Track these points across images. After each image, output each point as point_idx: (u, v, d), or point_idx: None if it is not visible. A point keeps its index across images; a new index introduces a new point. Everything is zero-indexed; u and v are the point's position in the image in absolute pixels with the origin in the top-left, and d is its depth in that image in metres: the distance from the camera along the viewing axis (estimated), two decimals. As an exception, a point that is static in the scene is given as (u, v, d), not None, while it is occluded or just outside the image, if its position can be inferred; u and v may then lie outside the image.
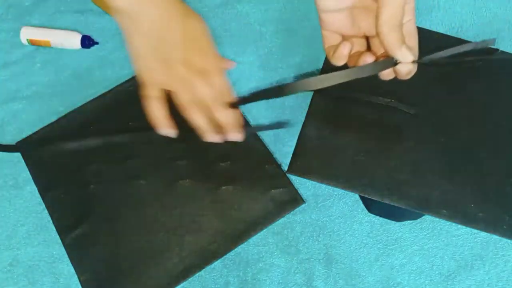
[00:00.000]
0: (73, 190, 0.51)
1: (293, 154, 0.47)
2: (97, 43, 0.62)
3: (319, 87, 0.34)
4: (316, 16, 0.64)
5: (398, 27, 0.32)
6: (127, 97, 0.56)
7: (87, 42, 0.61)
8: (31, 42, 0.61)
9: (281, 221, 0.52)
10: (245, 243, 0.49)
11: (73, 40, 0.61)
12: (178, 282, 0.47)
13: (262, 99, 0.38)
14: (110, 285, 0.47)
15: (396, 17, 0.31)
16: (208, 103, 0.38)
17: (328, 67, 0.52)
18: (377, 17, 0.32)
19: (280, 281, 0.51)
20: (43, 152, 0.53)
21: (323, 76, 0.33)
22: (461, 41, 0.53)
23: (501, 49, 0.53)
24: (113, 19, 0.64)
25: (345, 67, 0.36)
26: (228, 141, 0.42)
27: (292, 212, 0.51)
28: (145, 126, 0.54)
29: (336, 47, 0.36)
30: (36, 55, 0.62)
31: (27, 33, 0.61)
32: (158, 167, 0.51)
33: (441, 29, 0.61)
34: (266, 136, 0.56)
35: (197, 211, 0.49)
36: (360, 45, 0.37)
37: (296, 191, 0.51)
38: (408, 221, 0.53)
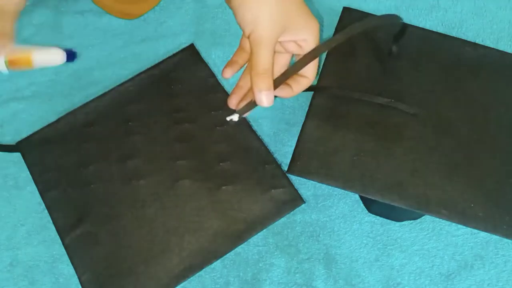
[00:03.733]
0: (73, 190, 0.51)
1: (293, 154, 0.47)
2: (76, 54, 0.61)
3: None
4: (316, 16, 0.65)
5: (261, 73, 0.36)
6: (127, 97, 0.56)
7: (71, 56, 0.60)
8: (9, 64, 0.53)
9: (281, 221, 0.52)
10: (245, 243, 0.49)
11: (55, 57, 0.59)
12: (178, 282, 0.47)
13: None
14: (110, 285, 0.47)
15: (262, 64, 0.35)
16: None
17: (328, 66, 0.52)
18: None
19: (280, 281, 0.51)
20: (43, 152, 0.53)
21: None
22: (461, 41, 0.53)
23: (501, 49, 0.53)
24: (113, 19, 0.64)
25: None
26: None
27: (292, 212, 0.51)
28: (145, 126, 0.54)
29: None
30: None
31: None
32: (158, 167, 0.51)
33: (441, 29, 0.61)
34: (266, 136, 0.56)
35: (197, 211, 0.49)
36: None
37: (296, 191, 0.51)
38: (408, 221, 0.53)
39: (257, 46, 0.35)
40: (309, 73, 0.40)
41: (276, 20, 0.35)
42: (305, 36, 0.37)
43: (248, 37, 0.36)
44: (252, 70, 0.36)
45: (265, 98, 0.36)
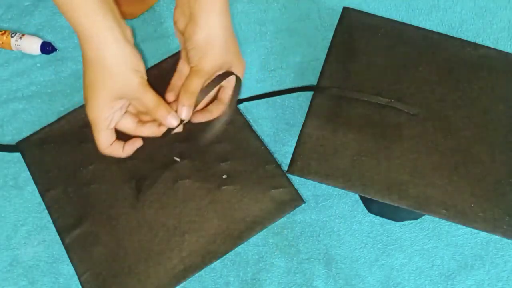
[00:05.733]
0: (73, 190, 0.51)
1: (293, 154, 0.47)
2: (56, 49, 0.62)
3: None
4: (316, 16, 0.65)
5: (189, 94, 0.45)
6: (127, 97, 0.56)
7: (46, 48, 0.61)
8: None
9: (281, 221, 0.52)
10: (245, 243, 0.49)
11: (33, 46, 0.61)
12: (178, 282, 0.47)
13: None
14: (110, 285, 0.47)
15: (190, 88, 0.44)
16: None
17: (328, 66, 0.52)
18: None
19: (280, 281, 0.51)
20: (43, 152, 0.53)
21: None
22: (461, 41, 0.53)
23: (501, 49, 0.53)
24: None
25: None
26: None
27: (292, 212, 0.51)
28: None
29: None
30: (36, 55, 0.62)
31: None
32: (158, 167, 0.51)
33: (441, 29, 0.61)
34: (266, 136, 0.56)
35: (197, 211, 0.49)
36: None
37: (296, 191, 0.51)
38: (408, 221, 0.53)
39: (195, 75, 0.44)
40: (227, 100, 0.48)
41: (217, 62, 0.44)
42: (235, 72, 0.46)
43: (191, 67, 0.45)
44: (183, 88, 0.44)
45: (185, 112, 0.45)
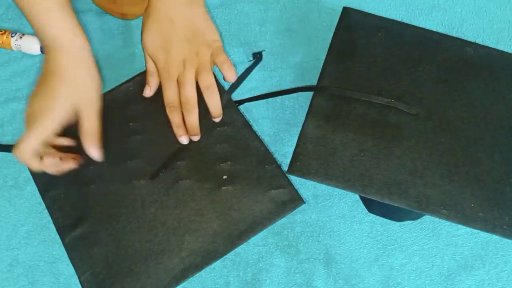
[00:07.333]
0: (73, 190, 0.51)
1: (293, 154, 0.47)
2: None
3: None
4: (316, 16, 0.64)
5: None
6: (127, 97, 0.56)
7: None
8: None
9: (281, 221, 0.52)
10: (245, 243, 0.49)
11: (33, 46, 0.61)
12: (178, 282, 0.47)
13: None
14: (110, 285, 0.47)
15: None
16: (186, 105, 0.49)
17: (328, 66, 0.52)
18: None
19: (280, 281, 0.51)
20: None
21: None
22: (461, 41, 0.53)
23: (501, 49, 0.53)
24: (113, 19, 0.64)
25: None
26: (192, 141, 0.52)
27: (292, 212, 0.51)
28: (145, 126, 0.54)
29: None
30: (36, 55, 0.62)
31: None
32: (158, 167, 0.51)
33: (441, 29, 0.61)
34: (266, 136, 0.56)
35: (197, 211, 0.49)
36: None
37: (296, 191, 0.51)
38: (408, 221, 0.53)
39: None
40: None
41: None
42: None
43: None
44: None
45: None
